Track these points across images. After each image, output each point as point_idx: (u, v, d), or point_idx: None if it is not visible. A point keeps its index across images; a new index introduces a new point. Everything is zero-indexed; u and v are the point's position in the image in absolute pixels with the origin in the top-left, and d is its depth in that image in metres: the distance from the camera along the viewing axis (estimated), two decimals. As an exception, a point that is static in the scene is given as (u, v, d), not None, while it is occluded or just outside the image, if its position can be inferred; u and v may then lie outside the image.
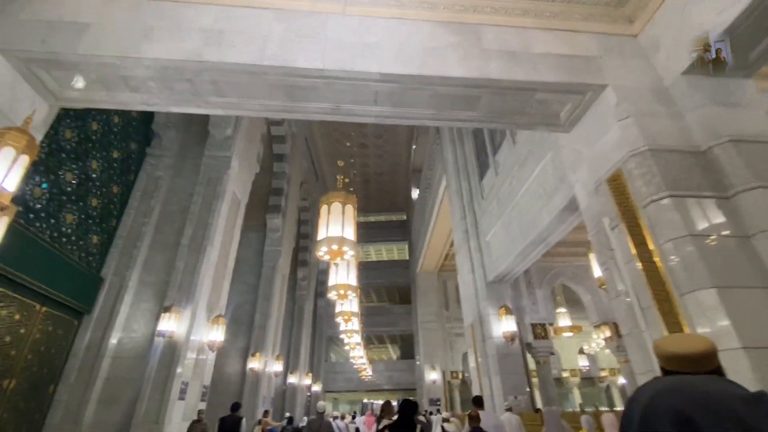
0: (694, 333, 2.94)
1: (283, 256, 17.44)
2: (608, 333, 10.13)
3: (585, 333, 16.81)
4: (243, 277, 16.47)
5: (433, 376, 20.42)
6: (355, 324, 13.45)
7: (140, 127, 10.87)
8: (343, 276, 7.33)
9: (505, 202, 8.76)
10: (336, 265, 7.19)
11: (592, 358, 21.63)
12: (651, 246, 3.32)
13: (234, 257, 11.34)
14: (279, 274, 16.86)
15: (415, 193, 26.19)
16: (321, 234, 5.23)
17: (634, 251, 3.53)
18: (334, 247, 5.10)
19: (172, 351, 8.38)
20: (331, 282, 7.30)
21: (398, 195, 32.29)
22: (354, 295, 7.83)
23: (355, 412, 18.63)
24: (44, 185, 7.60)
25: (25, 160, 3.40)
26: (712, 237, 3.22)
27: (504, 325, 9.04)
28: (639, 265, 3.47)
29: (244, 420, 5.56)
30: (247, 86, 4.18)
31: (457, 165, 12.06)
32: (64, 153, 8.16)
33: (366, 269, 27.82)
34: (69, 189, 8.29)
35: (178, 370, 8.22)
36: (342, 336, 12.84)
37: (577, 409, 21.03)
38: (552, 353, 10.40)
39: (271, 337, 15.77)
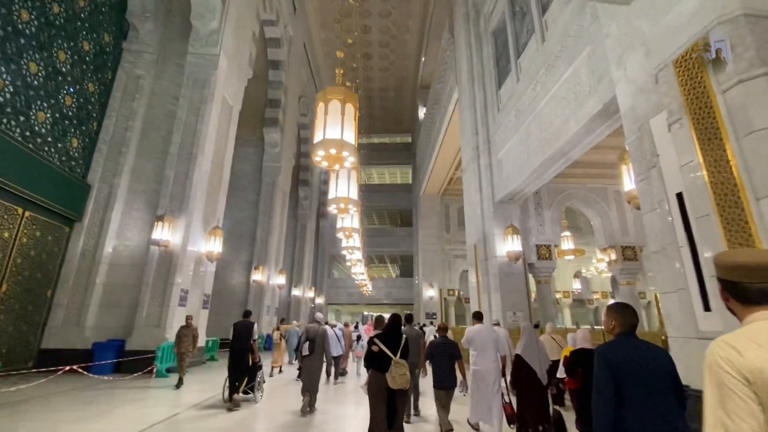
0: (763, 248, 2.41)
1: (283, 172, 16.85)
2: (614, 256, 9.94)
3: (581, 258, 16.91)
4: (243, 193, 16.11)
5: (430, 292, 21.21)
6: (356, 240, 13.23)
7: (112, 16, 9.46)
8: (343, 189, 6.75)
9: (525, 113, 7.83)
10: (334, 172, 6.53)
11: (585, 281, 22.25)
12: (726, 140, 2.65)
13: (229, 168, 10.74)
14: (279, 190, 16.44)
15: (421, 113, 24.66)
16: (318, 136, 4.46)
17: (698, 149, 2.86)
18: (333, 151, 4.41)
19: (169, 260, 8.21)
20: (331, 195, 6.75)
21: (403, 115, 30.59)
22: (355, 209, 7.24)
23: (357, 322, 20.02)
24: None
25: None
26: (807, 130, 2.52)
27: (509, 245, 8.75)
28: (702, 165, 2.84)
29: (255, 325, 5.87)
30: None
31: (472, 73, 10.76)
32: (23, 38, 7.07)
33: (368, 192, 27.48)
34: (36, 83, 7.36)
35: (177, 279, 8.13)
36: (344, 253, 12.97)
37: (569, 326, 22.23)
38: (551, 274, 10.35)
39: (274, 252, 15.91)
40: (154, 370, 6.97)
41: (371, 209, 29.41)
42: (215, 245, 9.30)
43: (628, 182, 5.63)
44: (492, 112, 9.81)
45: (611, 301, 18.24)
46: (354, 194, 6.89)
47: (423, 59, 23.70)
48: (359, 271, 18.73)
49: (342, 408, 5.56)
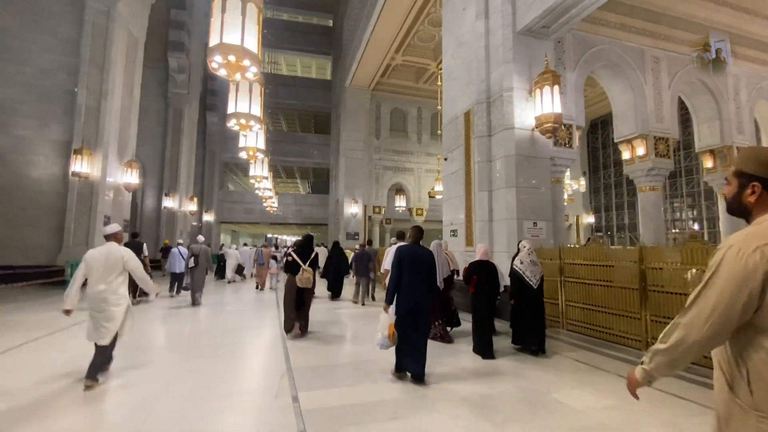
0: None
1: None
2: (643, 150, 7.16)
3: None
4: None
5: (353, 209, 17.57)
6: (263, 169, 12.54)
7: None
8: (244, 104, 5.86)
9: None
10: (234, 83, 5.66)
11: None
12: None
13: None
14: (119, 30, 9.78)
15: (352, -26, 18.38)
16: (213, 39, 3.99)
17: None
18: (232, 58, 4.07)
19: None
20: (230, 110, 6.03)
21: (325, -15, 23.53)
22: (259, 127, 6.50)
23: (275, 244, 15.90)
24: None
25: None
26: None
27: (539, 106, 5.04)
28: None
29: (144, 245, 7.06)
30: None
31: None
32: None
33: (275, 85, 21.22)
34: None
35: None
36: (250, 169, 9.58)
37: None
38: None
39: (112, 127, 9.86)
40: None
41: (277, 107, 23.24)
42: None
43: None
44: None
45: (590, 218, 16.45)
46: (257, 110, 6.03)
47: None
48: (262, 175, 13.62)
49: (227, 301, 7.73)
